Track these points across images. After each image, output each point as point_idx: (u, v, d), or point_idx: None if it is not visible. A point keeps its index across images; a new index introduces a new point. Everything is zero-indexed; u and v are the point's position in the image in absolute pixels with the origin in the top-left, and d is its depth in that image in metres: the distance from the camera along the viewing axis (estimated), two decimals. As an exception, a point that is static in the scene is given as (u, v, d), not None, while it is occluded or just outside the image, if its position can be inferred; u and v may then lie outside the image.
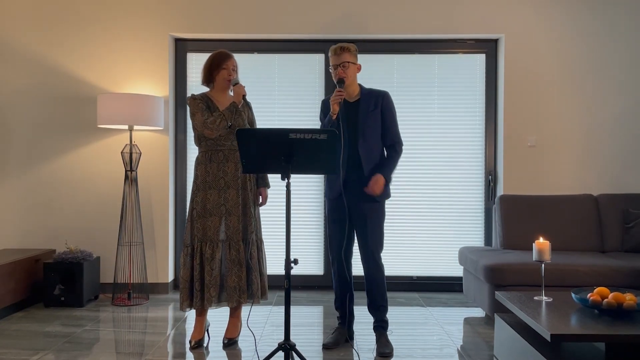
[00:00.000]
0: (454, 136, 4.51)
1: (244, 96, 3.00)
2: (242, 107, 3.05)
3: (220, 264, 3.00)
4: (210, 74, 3.08)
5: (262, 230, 3.07)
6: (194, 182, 3.06)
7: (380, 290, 3.04)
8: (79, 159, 4.34)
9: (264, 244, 3.22)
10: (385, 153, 3.07)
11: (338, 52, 2.95)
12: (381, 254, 3.05)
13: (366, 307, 3.11)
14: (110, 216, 4.34)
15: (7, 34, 4.33)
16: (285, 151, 2.46)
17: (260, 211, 3.18)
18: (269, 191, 3.11)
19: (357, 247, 3.10)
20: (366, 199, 2.97)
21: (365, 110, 2.99)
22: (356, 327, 3.33)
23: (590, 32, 4.33)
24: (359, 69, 3.04)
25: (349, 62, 2.95)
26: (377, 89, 3.08)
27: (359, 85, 3.09)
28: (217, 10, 4.36)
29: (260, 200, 3.22)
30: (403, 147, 3.07)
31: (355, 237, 3.10)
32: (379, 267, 3.03)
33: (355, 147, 2.97)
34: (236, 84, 3.01)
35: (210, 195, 3.01)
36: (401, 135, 3.09)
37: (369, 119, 2.98)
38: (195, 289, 2.98)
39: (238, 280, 2.99)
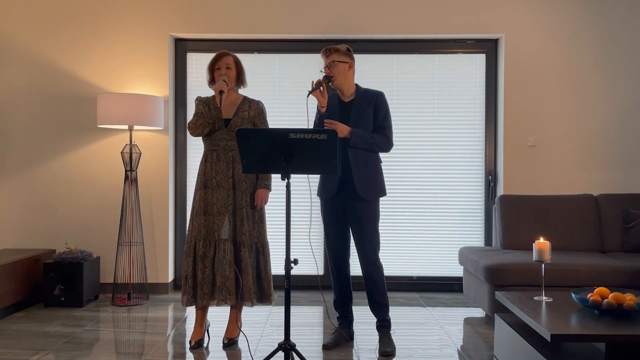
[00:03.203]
0: (454, 136, 4.51)
1: (221, 92, 2.95)
2: (245, 106, 3.07)
3: (213, 263, 3.00)
4: (211, 76, 3.14)
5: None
6: (196, 181, 3.11)
7: (380, 289, 3.04)
8: (79, 159, 4.34)
9: (268, 247, 3.16)
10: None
11: (328, 53, 3.03)
12: (379, 253, 3.05)
13: (367, 307, 3.12)
14: (110, 216, 4.34)
15: (7, 33, 4.33)
16: (285, 151, 2.46)
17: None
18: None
19: (354, 247, 3.10)
20: (360, 198, 2.97)
21: (359, 109, 3.01)
22: (356, 327, 3.33)
23: (590, 32, 4.33)
24: (350, 66, 3.04)
25: (336, 61, 2.99)
26: (373, 89, 3.10)
27: (356, 85, 3.11)
28: (217, 10, 4.36)
29: (255, 202, 3.08)
30: (390, 149, 3.05)
31: (352, 237, 3.10)
32: (377, 266, 3.03)
33: (348, 147, 2.97)
34: (223, 81, 2.99)
35: (204, 194, 3.04)
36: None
37: (361, 117, 3.00)
38: (188, 286, 3.01)
39: (224, 280, 2.96)
